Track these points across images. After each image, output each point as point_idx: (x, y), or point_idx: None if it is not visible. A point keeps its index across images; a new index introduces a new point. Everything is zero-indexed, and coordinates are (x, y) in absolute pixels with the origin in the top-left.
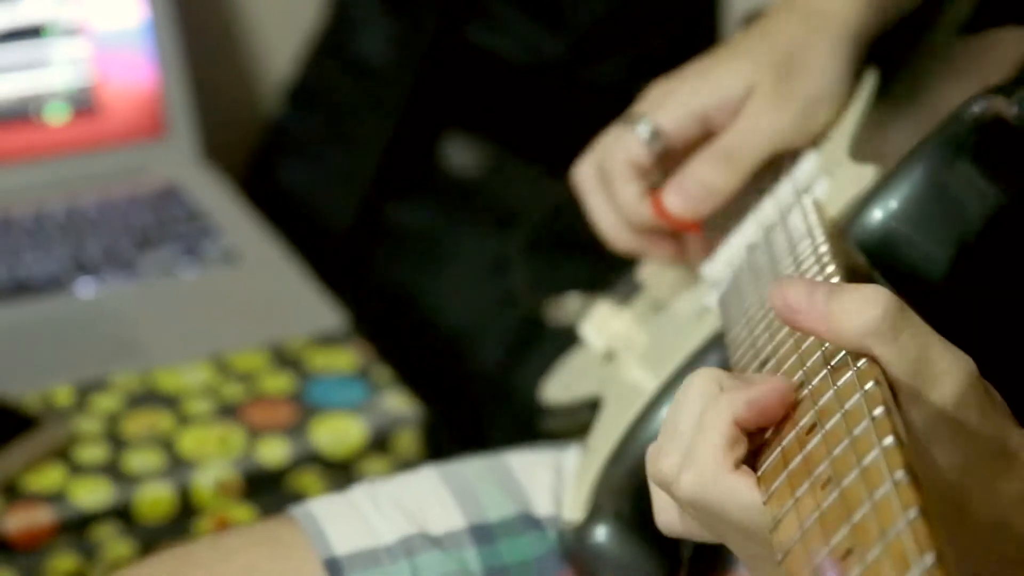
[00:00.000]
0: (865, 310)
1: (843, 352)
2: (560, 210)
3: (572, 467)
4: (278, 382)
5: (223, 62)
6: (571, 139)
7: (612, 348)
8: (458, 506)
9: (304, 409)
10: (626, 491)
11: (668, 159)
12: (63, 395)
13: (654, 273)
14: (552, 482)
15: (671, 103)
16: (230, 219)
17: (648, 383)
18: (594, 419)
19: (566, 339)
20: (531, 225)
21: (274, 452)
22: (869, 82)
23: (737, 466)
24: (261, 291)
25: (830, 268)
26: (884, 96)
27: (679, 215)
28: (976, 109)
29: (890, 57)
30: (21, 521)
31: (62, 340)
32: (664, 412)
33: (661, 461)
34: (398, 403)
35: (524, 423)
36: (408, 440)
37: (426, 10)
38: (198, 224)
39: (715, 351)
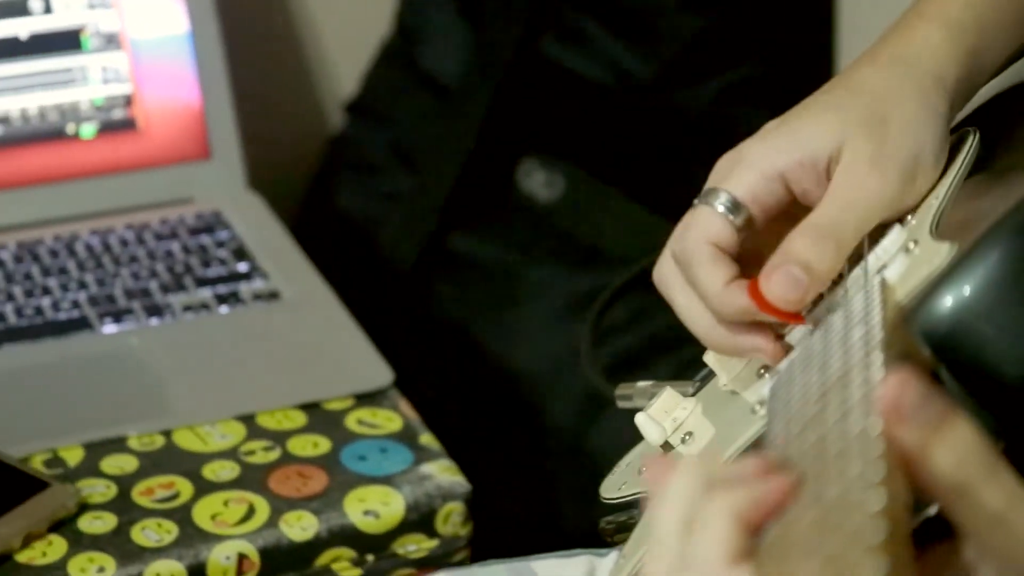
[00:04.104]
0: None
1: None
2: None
3: None
4: (311, 446)
5: (277, 75)
6: (660, 168)
7: (669, 441)
8: None
9: (338, 477)
10: None
11: (756, 240)
12: (72, 456)
13: (720, 356)
14: None
15: (740, 168)
16: (277, 256)
17: None
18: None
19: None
20: (625, 263)
21: (301, 525)
22: (966, 148)
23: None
24: (302, 341)
25: (875, 356)
26: (983, 166)
27: (781, 304)
28: None
29: (993, 120)
30: None
31: (74, 391)
32: None
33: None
34: (443, 474)
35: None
36: (452, 516)
37: (507, 22)
38: (240, 261)
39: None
